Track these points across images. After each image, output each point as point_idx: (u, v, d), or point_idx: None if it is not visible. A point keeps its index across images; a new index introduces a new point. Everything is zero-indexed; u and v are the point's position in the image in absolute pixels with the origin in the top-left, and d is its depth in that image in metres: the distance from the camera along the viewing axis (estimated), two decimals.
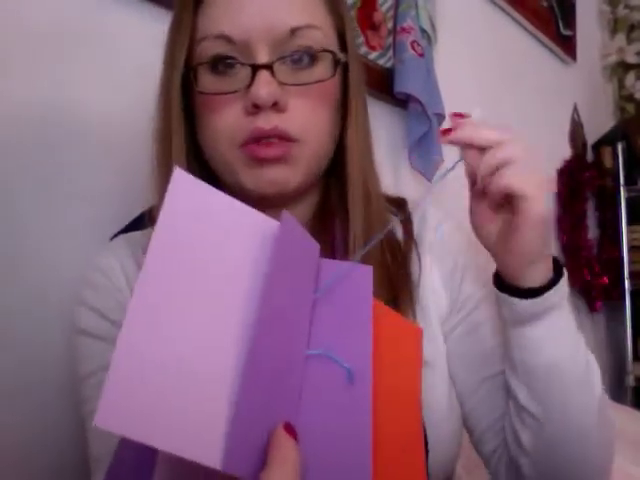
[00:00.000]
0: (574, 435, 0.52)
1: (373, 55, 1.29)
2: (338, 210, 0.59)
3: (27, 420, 0.70)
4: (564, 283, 0.51)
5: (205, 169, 0.57)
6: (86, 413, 0.57)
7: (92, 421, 0.61)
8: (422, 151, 1.33)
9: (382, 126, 1.31)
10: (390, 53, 1.34)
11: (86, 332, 0.58)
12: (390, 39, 1.34)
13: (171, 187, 0.30)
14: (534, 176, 0.46)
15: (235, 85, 0.52)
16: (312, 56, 0.53)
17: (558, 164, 2.11)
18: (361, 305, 0.36)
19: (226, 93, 0.52)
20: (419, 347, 0.41)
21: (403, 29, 1.30)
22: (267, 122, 0.51)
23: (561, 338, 0.52)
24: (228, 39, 0.51)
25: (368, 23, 1.28)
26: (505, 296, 0.51)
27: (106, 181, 0.80)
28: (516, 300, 0.50)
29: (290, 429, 0.30)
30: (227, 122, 0.52)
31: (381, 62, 1.32)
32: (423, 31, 1.33)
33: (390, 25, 1.34)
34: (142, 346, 0.27)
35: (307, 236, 0.36)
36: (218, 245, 0.32)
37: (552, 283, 0.50)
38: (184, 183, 0.31)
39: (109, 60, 0.80)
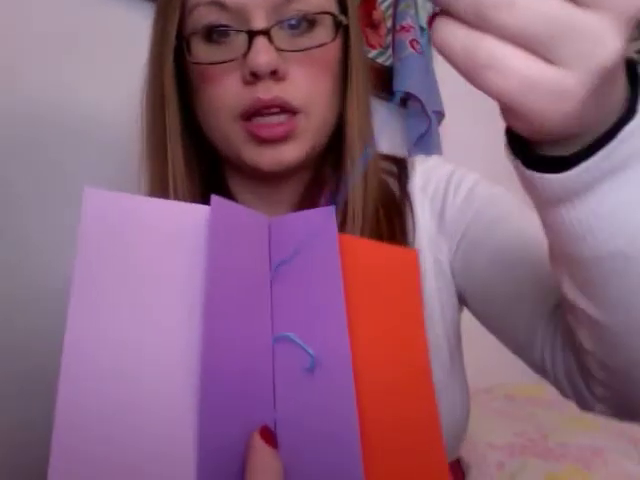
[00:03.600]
0: None
1: (373, 53, 1.29)
2: (329, 182, 0.56)
3: (24, 425, 0.70)
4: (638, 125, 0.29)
5: (203, 144, 0.55)
6: None
7: None
8: (422, 149, 1.33)
9: (382, 124, 1.31)
10: (389, 51, 1.34)
11: None
12: (389, 37, 1.34)
13: (84, 205, 0.28)
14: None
15: (231, 54, 0.48)
16: (311, 20, 0.49)
17: None
18: (327, 264, 0.30)
19: (222, 62, 0.48)
20: (415, 274, 0.34)
21: (402, 27, 1.30)
22: (267, 92, 0.48)
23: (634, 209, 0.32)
24: (222, 5, 0.48)
25: (368, 21, 1.28)
26: (534, 174, 0.32)
27: (106, 182, 0.79)
28: (550, 176, 0.31)
29: (267, 434, 0.27)
30: (225, 93, 0.49)
31: (380, 60, 1.32)
32: (422, 29, 1.33)
33: (389, 24, 1.34)
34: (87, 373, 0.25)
35: (250, 212, 0.32)
36: (145, 248, 0.28)
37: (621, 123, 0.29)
38: (96, 198, 0.28)
39: (108, 60, 0.80)
